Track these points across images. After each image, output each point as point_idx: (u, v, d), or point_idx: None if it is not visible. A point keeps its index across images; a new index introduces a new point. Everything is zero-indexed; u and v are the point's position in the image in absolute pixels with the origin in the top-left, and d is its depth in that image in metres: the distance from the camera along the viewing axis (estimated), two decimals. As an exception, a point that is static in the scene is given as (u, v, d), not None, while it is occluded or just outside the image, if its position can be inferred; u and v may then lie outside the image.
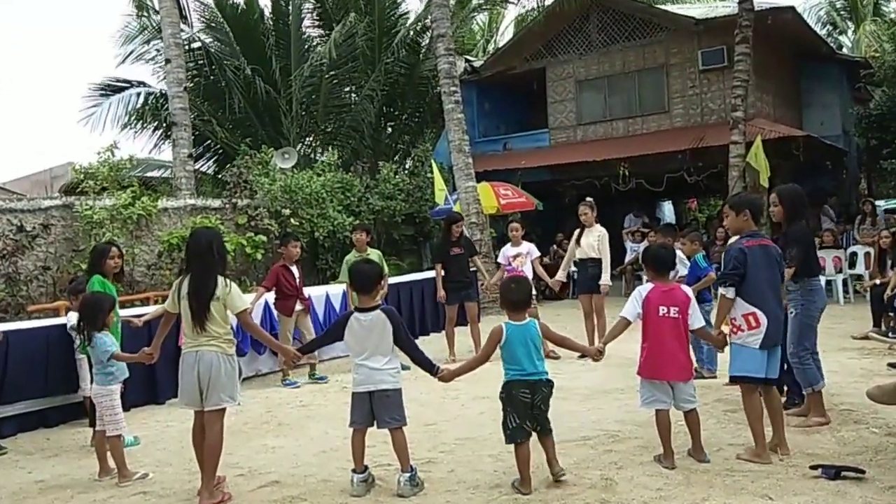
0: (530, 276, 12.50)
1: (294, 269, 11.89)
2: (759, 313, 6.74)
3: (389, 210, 20.94)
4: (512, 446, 6.34)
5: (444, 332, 13.26)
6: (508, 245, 12.91)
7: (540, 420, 6.31)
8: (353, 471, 6.52)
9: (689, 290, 7.00)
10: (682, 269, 10.37)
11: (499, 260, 13.06)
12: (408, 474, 6.41)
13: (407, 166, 25.07)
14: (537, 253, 12.92)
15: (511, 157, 25.11)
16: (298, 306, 11.82)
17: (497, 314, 17.61)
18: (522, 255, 12.65)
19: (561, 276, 13.11)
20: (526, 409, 6.25)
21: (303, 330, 11.80)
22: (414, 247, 22.52)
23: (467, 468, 6.95)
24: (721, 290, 6.90)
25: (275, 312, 12.04)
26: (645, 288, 6.88)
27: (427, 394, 9.92)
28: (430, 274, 16.97)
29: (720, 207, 25.58)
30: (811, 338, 7.70)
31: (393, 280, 15.07)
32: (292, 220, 18.09)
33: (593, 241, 12.31)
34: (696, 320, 6.88)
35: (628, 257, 22.04)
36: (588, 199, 12.96)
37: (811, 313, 7.68)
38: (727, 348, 7.05)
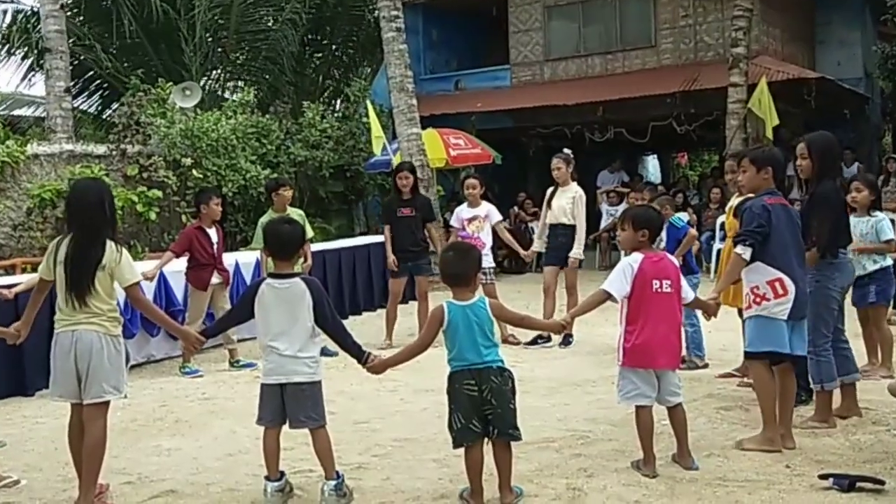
0: (489, 243, 12.55)
1: (212, 232, 11.79)
2: (787, 279, 6.91)
3: (315, 162, 20.89)
4: (462, 450, 6.25)
5: (381, 310, 13.26)
6: (464, 206, 12.91)
7: (495, 420, 6.10)
8: (267, 478, 6.48)
9: (674, 260, 7.08)
10: (662, 235, 10.49)
11: (451, 223, 13.04)
12: (333, 482, 6.38)
13: (337, 108, 24.92)
14: (499, 216, 12.93)
15: (464, 98, 25.08)
16: (215, 279, 11.72)
17: (444, 288, 17.61)
18: (480, 219, 12.65)
19: (538, 245, 13.14)
20: (473, 405, 6.08)
21: (219, 308, 11.71)
22: (344, 207, 22.46)
23: (406, 475, 6.96)
24: (738, 249, 7.02)
25: (172, 284, 11.95)
26: (635, 258, 6.82)
27: (359, 385, 9.91)
28: (364, 240, 16.98)
29: (718, 163, 25.79)
30: (829, 323, 7.74)
31: (317, 247, 15.01)
32: (195, 171, 17.98)
33: (566, 203, 12.30)
34: (687, 292, 6.95)
35: (604, 223, 22.18)
36: (565, 150, 12.93)
37: (829, 293, 7.66)
38: (712, 333, 7.13)
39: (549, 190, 12.60)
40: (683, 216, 12.40)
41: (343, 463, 6.85)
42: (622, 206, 21.41)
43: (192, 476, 7.19)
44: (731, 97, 19.37)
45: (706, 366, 10.35)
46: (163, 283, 12.00)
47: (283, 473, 6.56)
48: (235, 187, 18.54)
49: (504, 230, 12.96)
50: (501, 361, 6.24)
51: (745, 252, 6.94)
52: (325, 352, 9.48)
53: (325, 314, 6.45)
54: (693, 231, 10.83)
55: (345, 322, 13.07)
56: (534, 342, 12.21)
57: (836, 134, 8.38)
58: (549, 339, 12.13)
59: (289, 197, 12.29)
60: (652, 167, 34.81)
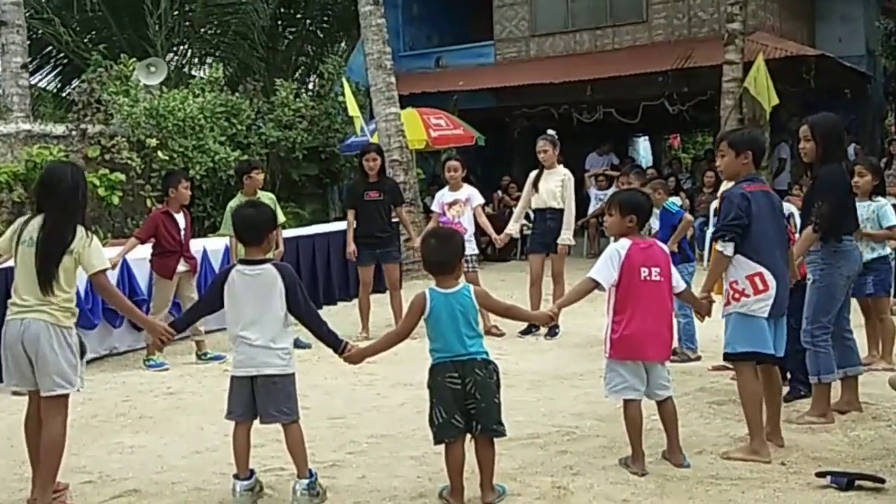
0: (471, 229, 12.53)
1: (179, 217, 11.76)
2: (767, 274, 6.86)
3: (287, 143, 20.82)
4: (442, 447, 6.27)
5: (356, 300, 13.25)
6: (445, 190, 12.90)
7: (479, 415, 6.16)
8: (236, 476, 6.49)
9: (665, 247, 7.10)
10: (655, 221, 10.50)
11: (432, 208, 13.02)
12: (306, 481, 6.39)
13: (311, 87, 24.84)
14: (480, 199, 12.92)
15: (446, 76, 25.04)
16: (182, 266, 11.68)
17: (425, 279, 17.67)
18: (461, 203, 12.65)
19: (512, 228, 13.14)
20: (455, 399, 6.11)
21: (185, 297, 11.68)
22: (318, 191, 22.42)
23: (383, 473, 6.98)
24: (718, 246, 7.01)
25: (135, 272, 11.95)
26: (622, 245, 6.85)
27: (334, 379, 9.94)
28: (339, 226, 16.90)
29: (712, 145, 25.80)
30: (830, 313, 7.77)
31: (290, 233, 15.00)
32: (160, 153, 17.91)
33: (554, 186, 12.32)
34: (678, 281, 6.98)
35: (592, 208, 22.18)
36: (549, 132, 12.94)
37: (834, 281, 7.69)
38: (704, 323, 7.17)
39: (534, 173, 12.60)
40: (677, 200, 12.43)
41: (316, 461, 6.86)
42: (611, 191, 21.46)
43: (157, 475, 7.19)
44: (727, 76, 19.37)
45: (699, 358, 10.40)
46: (125, 272, 11.97)
47: (252, 472, 6.56)
48: (203, 170, 18.45)
49: (482, 214, 12.95)
50: (486, 353, 6.28)
51: (727, 248, 6.89)
52: (298, 343, 9.56)
53: (297, 300, 6.46)
54: (689, 216, 10.85)
55: (319, 312, 13.08)
56: (528, 331, 12.25)
57: (835, 114, 8.41)
58: (539, 328, 12.17)
59: (260, 180, 12.29)
60: (643, 149, 34.85)
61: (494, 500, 6.24)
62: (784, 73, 20.04)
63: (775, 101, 18.95)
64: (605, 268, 6.83)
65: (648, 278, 6.75)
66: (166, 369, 11.29)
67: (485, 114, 23.69)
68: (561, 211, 12.26)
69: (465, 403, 6.13)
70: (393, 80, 19.64)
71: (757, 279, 6.85)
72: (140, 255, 11.92)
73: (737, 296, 6.92)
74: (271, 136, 20.62)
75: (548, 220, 12.38)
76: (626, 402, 6.80)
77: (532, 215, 13.00)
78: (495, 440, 6.29)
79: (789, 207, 9.89)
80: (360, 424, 8.39)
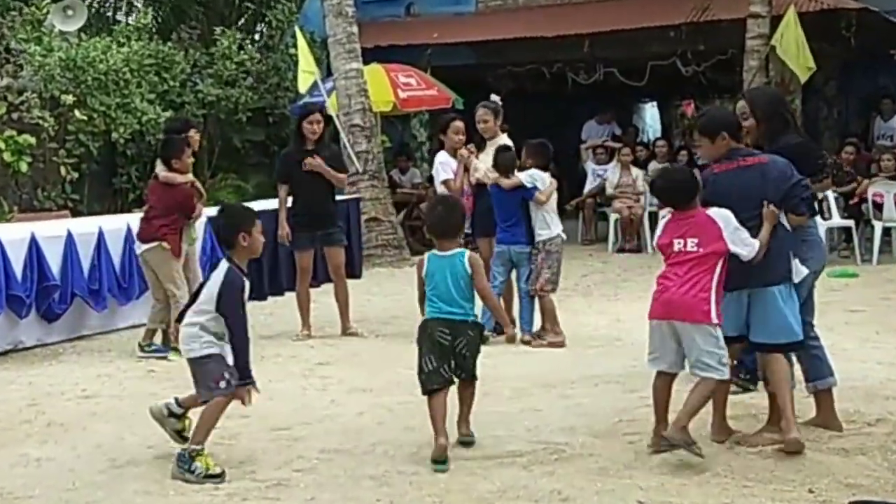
0: None
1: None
2: None
3: (229, 103, 20.86)
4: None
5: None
6: (443, 153, 12.70)
7: (464, 366, 7.62)
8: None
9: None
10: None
11: (440, 174, 12.70)
12: (184, 452, 7.06)
13: (258, 37, 24.80)
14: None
15: (417, 27, 24.90)
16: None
17: (389, 266, 17.67)
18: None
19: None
20: (445, 352, 7.48)
21: (188, 274, 11.87)
22: (265, 160, 22.39)
23: (336, 495, 6.97)
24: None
25: (46, 254, 11.90)
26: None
27: (280, 382, 9.92)
28: (288, 202, 16.87)
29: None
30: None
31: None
32: (77, 112, 17.92)
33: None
34: None
35: (588, 185, 22.18)
36: (493, 97, 12.99)
37: (806, 277, 7.91)
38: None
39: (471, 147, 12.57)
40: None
41: (257, 479, 6.87)
42: (612, 165, 21.50)
43: (68, 493, 7.15)
44: (751, 31, 19.32)
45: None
46: (34, 252, 11.94)
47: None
48: (128, 132, 18.52)
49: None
50: (476, 316, 7.76)
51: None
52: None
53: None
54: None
55: (264, 304, 13.20)
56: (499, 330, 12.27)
57: (878, 78, 8.63)
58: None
59: (195, 143, 12.24)
60: (650, 117, 34.94)
61: (469, 435, 7.71)
62: (819, 29, 19.97)
63: (810, 64, 18.91)
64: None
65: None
66: (167, 358, 11.36)
67: (463, 72, 23.64)
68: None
69: (451, 357, 7.54)
70: (355, 30, 19.61)
71: None
72: (52, 232, 11.94)
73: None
74: (209, 95, 20.64)
75: (489, 197, 12.33)
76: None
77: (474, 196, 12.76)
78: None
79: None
80: (310, 437, 8.30)
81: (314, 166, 12.23)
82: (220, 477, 7.12)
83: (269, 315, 13.86)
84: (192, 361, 7.43)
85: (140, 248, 11.59)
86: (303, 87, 19.39)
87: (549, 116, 22.79)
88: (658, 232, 7.65)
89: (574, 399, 9.22)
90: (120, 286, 12.75)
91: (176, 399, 7.68)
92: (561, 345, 11.34)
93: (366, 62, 19.97)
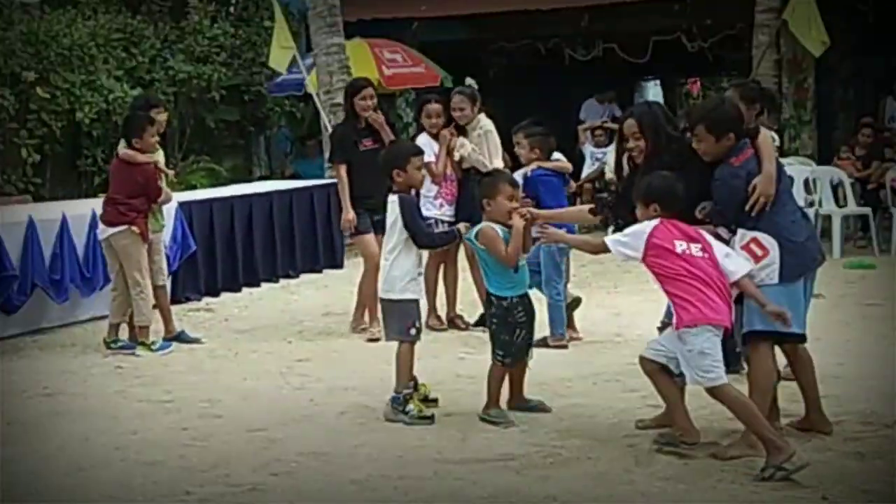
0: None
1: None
2: (763, 237, 7.43)
3: (202, 80, 20.82)
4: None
5: (288, 281, 13.22)
6: (424, 135, 12.71)
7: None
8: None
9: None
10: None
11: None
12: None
13: (232, 9, 24.76)
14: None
15: (403, -1, 24.98)
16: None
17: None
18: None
19: None
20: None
21: (151, 266, 11.81)
22: (240, 141, 22.38)
23: (316, 500, 6.99)
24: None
25: (6, 242, 11.89)
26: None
27: (255, 380, 9.96)
28: (266, 185, 16.90)
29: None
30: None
31: (203, 195, 14.95)
32: (39, 89, 17.90)
33: (475, 144, 12.39)
34: None
35: (587, 170, 22.15)
36: (468, 82, 13.05)
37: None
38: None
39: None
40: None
41: (231, 484, 6.87)
42: (612, 148, 21.45)
43: (29, 498, 7.13)
44: (761, 5, 19.33)
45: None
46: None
47: None
48: (94, 112, 18.48)
49: None
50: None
51: (723, 232, 7.63)
52: (183, 337, 9.76)
53: None
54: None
55: (238, 296, 13.20)
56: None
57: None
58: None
59: (163, 123, 12.22)
60: (653, 97, 34.88)
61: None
62: (834, 2, 20.02)
63: (824, 38, 18.90)
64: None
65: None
66: (171, 352, 11.45)
67: (453, 48, 23.65)
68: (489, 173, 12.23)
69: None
70: (337, 2, 19.58)
71: (753, 245, 7.42)
72: (12, 219, 12.04)
73: None
74: (181, 72, 20.58)
75: (474, 186, 12.32)
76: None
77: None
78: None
79: (836, 174, 10.03)
80: (288, 438, 8.30)
81: (376, 120, 12.49)
82: (430, 419, 8.31)
83: (244, 308, 13.85)
84: (387, 303, 8.67)
85: (105, 232, 11.52)
86: (275, 62, 19.43)
87: (544, 95, 22.73)
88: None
89: (570, 398, 9.22)
90: (83, 276, 12.68)
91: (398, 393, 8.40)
92: (563, 346, 11.33)
93: (348, 37, 19.98)
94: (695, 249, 7.37)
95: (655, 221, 7.50)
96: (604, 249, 7.82)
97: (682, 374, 7.72)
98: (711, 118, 7.73)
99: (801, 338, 7.71)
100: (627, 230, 7.67)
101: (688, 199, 7.68)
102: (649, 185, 7.68)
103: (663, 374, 7.59)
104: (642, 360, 7.69)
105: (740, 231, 7.51)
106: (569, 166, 12.13)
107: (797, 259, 7.47)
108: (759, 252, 7.38)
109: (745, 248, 7.43)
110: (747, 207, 7.36)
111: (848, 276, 14.59)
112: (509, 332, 8.56)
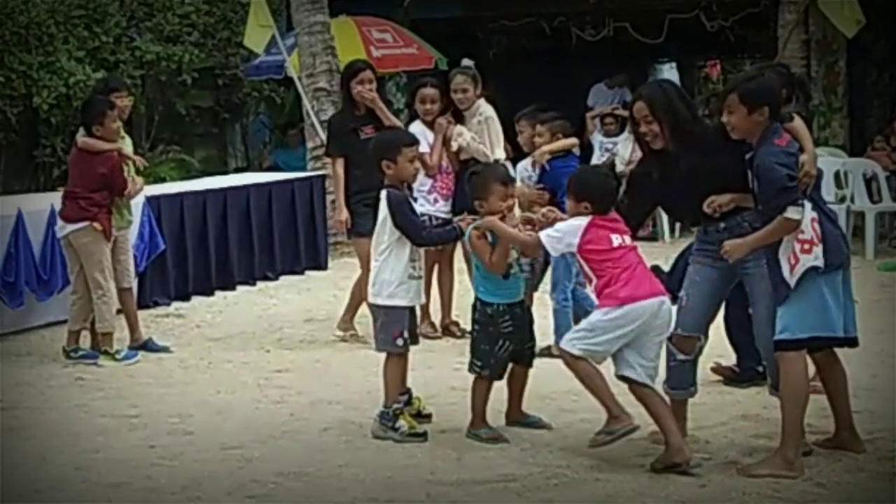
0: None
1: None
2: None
3: (171, 62, 20.88)
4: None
5: (266, 283, 13.17)
6: (417, 123, 12.70)
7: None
8: None
9: None
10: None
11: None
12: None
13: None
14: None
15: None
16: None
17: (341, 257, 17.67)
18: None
19: None
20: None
21: (116, 265, 11.85)
22: (213, 129, 22.54)
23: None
24: (789, 213, 7.44)
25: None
26: None
27: (230, 393, 10.02)
28: (242, 178, 16.87)
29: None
30: None
31: (172, 188, 14.92)
32: (-7, 72, 17.89)
33: (475, 131, 12.44)
34: None
35: (595, 160, 22.09)
36: (465, 62, 13.12)
37: None
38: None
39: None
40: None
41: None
42: (624, 137, 21.41)
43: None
44: (787, -22, 19.36)
45: None
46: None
47: None
48: (53, 97, 18.53)
49: None
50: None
51: (798, 212, 7.41)
52: (150, 346, 9.71)
53: None
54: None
55: (212, 301, 13.21)
56: None
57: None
58: None
59: (126, 108, 12.13)
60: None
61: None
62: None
63: (859, 16, 18.82)
64: None
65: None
66: (96, 363, 11.44)
67: (448, 26, 23.76)
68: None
69: None
70: (320, -25, 19.52)
71: (816, 225, 7.51)
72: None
73: (807, 247, 7.41)
74: (149, 53, 20.63)
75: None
76: None
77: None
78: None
79: (870, 166, 9.95)
80: (266, 457, 8.33)
81: (367, 95, 12.35)
82: (422, 437, 8.42)
83: (217, 313, 13.91)
84: (376, 308, 8.83)
85: (64, 229, 11.51)
86: (252, 42, 19.51)
87: (548, 79, 22.74)
88: None
89: (577, 413, 9.22)
90: (39, 278, 12.75)
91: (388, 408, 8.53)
92: None
93: (333, 14, 20.04)
94: (627, 239, 8.02)
95: (585, 220, 7.98)
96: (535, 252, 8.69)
97: (686, 388, 8.24)
98: (747, 87, 7.78)
99: (853, 342, 7.77)
100: (559, 225, 8.16)
101: (700, 189, 7.90)
102: (581, 181, 8.22)
103: (654, 396, 7.90)
104: (631, 385, 8.00)
105: (808, 206, 7.41)
106: (575, 141, 12.08)
107: (835, 246, 7.54)
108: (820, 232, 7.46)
109: (813, 224, 7.45)
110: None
111: (882, 278, 14.63)
112: (490, 342, 8.62)
